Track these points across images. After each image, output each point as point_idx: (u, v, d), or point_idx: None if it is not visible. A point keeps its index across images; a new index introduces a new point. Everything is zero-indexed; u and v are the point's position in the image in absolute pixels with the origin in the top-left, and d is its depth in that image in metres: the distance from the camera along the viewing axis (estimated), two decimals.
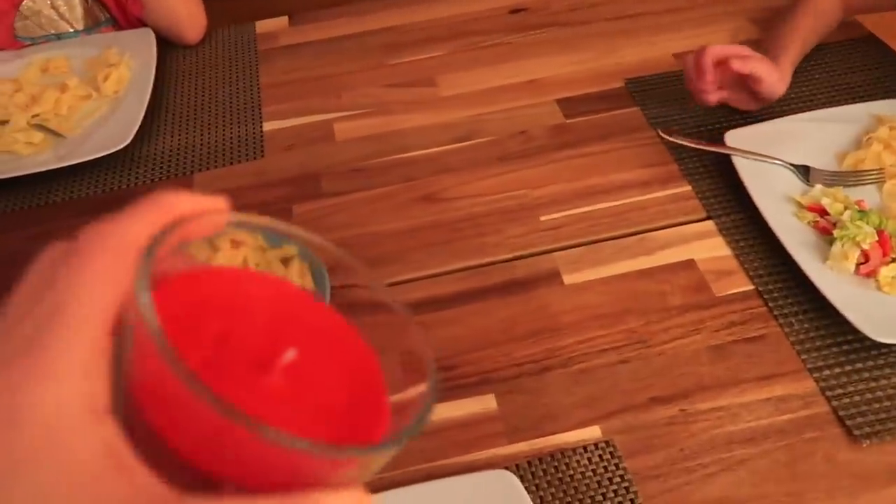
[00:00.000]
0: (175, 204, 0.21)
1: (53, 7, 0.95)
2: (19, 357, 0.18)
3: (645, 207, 0.65)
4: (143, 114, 0.78)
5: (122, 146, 0.74)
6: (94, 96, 0.84)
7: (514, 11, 0.94)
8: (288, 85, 0.85)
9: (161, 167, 0.76)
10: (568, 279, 0.59)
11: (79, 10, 0.96)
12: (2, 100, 0.84)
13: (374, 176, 0.71)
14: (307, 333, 0.23)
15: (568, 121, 0.75)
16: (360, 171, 0.72)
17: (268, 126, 0.79)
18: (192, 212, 0.21)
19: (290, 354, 0.21)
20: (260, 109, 0.82)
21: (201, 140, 0.79)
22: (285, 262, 0.59)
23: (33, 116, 0.81)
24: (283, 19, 0.98)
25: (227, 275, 0.24)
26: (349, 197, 0.69)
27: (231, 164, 0.75)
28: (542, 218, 0.65)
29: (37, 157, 0.77)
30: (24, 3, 0.93)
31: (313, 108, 0.81)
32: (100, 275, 0.19)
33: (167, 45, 0.93)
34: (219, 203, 0.22)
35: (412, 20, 0.94)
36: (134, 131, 0.75)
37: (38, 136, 0.77)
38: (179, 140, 0.79)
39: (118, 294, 0.19)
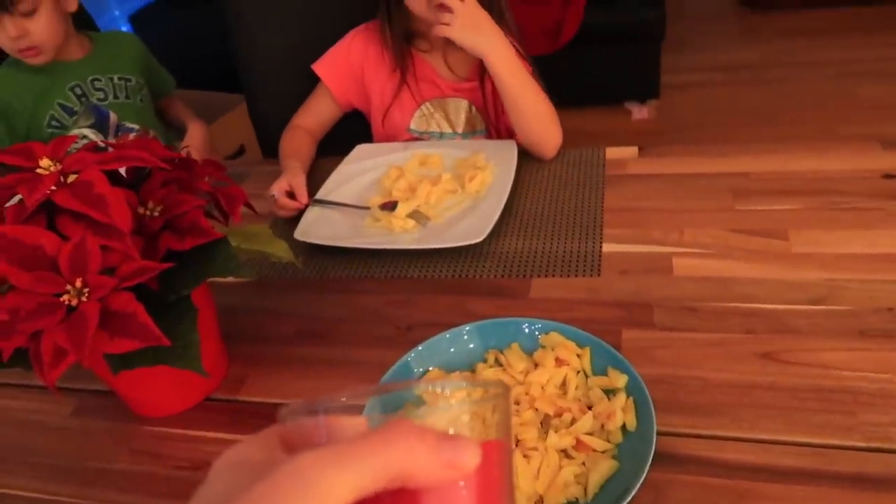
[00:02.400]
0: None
1: (444, 112, 1.13)
2: None
3: None
4: (498, 215, 0.87)
5: (476, 241, 0.83)
6: (458, 192, 0.96)
7: (888, 177, 0.87)
8: (631, 212, 0.88)
9: (504, 265, 0.83)
10: None
11: (462, 118, 1.13)
12: (387, 182, 1.01)
13: (709, 319, 0.70)
14: None
15: None
16: (694, 311, 0.71)
17: (606, 247, 0.83)
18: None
19: None
20: (601, 230, 0.86)
21: (542, 247, 0.85)
22: (609, 392, 0.60)
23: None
24: (634, 149, 1.03)
25: None
26: (680, 335, 0.68)
27: (567, 275, 0.79)
28: None
29: (405, 235, 0.90)
30: (424, 104, 1.12)
31: (654, 239, 0.82)
32: None
33: (524, 155, 1.04)
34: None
35: (768, 169, 0.92)
36: (489, 230, 0.85)
37: (410, 223, 0.91)
38: (523, 244, 0.86)
39: None
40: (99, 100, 1.36)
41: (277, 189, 0.97)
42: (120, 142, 0.73)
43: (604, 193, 0.93)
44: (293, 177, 0.99)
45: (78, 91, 1.35)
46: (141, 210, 0.65)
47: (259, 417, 0.68)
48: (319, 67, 1.16)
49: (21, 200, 0.61)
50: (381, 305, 0.80)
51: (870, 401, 0.58)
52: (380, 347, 0.73)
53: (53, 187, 0.62)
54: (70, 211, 0.59)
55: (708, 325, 0.69)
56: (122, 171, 0.70)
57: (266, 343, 0.78)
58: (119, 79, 1.40)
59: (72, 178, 0.63)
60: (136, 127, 1.39)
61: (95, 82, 1.37)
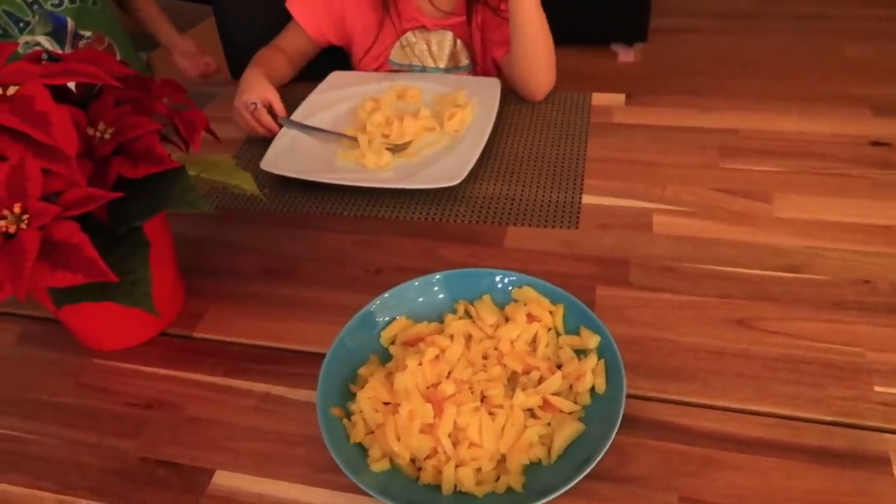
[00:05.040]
0: None
1: (427, 44, 1.06)
2: None
3: None
4: (476, 157, 0.83)
5: (454, 183, 0.80)
6: (437, 130, 0.92)
7: (876, 144, 0.85)
8: (614, 163, 0.85)
9: (480, 210, 0.80)
10: None
11: (446, 51, 1.06)
12: (362, 114, 0.96)
13: (685, 280, 0.68)
14: None
15: None
16: (671, 272, 0.69)
17: (587, 199, 0.80)
18: None
19: None
20: (582, 180, 0.83)
21: (521, 194, 0.82)
22: (580, 352, 0.58)
23: (383, 136, 0.90)
24: (621, 96, 0.99)
25: None
26: (656, 295, 0.66)
27: (544, 226, 0.76)
28: (877, 388, 0.56)
29: (378, 173, 0.86)
30: (405, 35, 1.06)
31: (635, 193, 0.80)
32: None
33: (507, 95, 0.99)
34: None
35: (756, 127, 0.89)
36: (466, 172, 0.81)
37: (386, 157, 0.86)
38: (501, 189, 0.83)
39: None
40: (53, 5, 1.26)
41: (261, 98, 0.91)
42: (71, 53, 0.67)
43: (587, 142, 0.90)
44: (268, 90, 0.93)
45: None
46: (90, 131, 0.60)
47: (214, 356, 0.65)
48: (293, 6, 1.08)
49: None
50: (348, 245, 0.77)
51: (839, 374, 0.58)
52: (346, 290, 0.70)
53: None
54: (8, 129, 0.54)
55: (684, 287, 0.67)
56: (73, 86, 0.65)
57: (226, 278, 0.74)
58: None
59: (12, 90, 0.58)
60: (88, 34, 1.29)
61: None
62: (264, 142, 0.91)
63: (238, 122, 0.94)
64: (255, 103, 0.90)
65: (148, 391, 0.62)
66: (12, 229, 0.51)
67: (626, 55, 2.54)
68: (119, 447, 0.57)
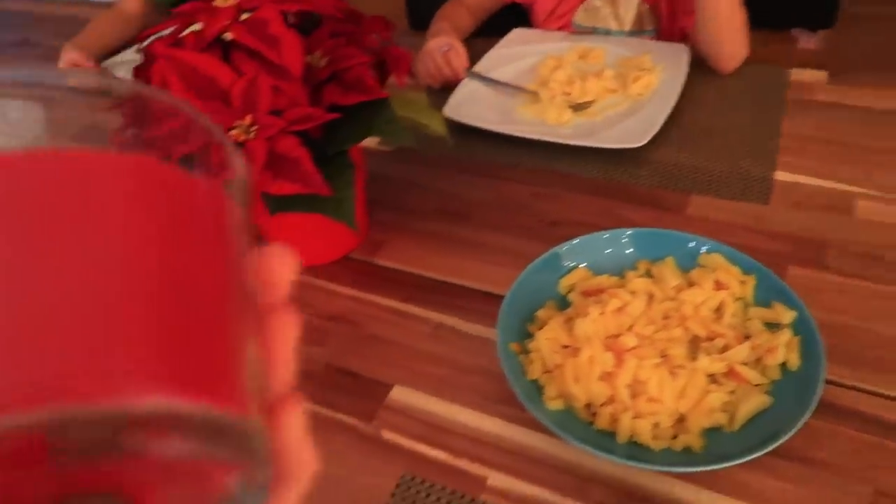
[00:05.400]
0: None
1: (613, 7, 1.04)
2: None
3: None
4: (662, 122, 0.81)
5: (637, 145, 0.78)
6: (618, 92, 0.90)
7: None
8: (813, 142, 0.79)
9: (662, 175, 0.77)
10: None
11: (632, 15, 1.03)
12: (544, 71, 0.95)
13: (894, 271, 0.62)
14: None
15: None
16: (876, 260, 0.64)
17: (780, 175, 0.75)
18: None
19: None
20: (775, 156, 0.78)
21: (706, 164, 0.78)
22: (771, 326, 0.55)
23: (565, 94, 0.90)
24: (822, 73, 0.92)
25: None
26: (857, 283, 0.62)
27: (731, 199, 0.73)
28: None
29: (558, 129, 0.85)
30: None
31: (836, 175, 0.74)
32: None
33: (695, 65, 0.95)
34: None
35: None
36: (651, 135, 0.78)
37: (567, 114, 0.85)
38: (685, 157, 0.80)
39: None
40: None
41: (449, 44, 0.94)
42: None
43: (782, 117, 0.84)
44: (457, 43, 0.95)
45: None
46: (308, 59, 0.64)
47: (393, 282, 0.68)
48: None
49: (198, 30, 0.61)
50: (526, 196, 0.77)
51: None
52: (521, 237, 0.71)
53: (229, 21, 0.61)
54: (245, 48, 0.59)
55: (892, 278, 0.62)
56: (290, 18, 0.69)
57: (406, 213, 0.77)
58: None
59: (245, 16, 0.62)
60: None
61: None
62: (440, 93, 0.93)
63: (424, 65, 0.97)
64: (449, 44, 0.93)
65: (332, 306, 0.66)
66: (242, 139, 0.56)
67: (807, 41, 2.35)
68: (308, 351, 0.61)
